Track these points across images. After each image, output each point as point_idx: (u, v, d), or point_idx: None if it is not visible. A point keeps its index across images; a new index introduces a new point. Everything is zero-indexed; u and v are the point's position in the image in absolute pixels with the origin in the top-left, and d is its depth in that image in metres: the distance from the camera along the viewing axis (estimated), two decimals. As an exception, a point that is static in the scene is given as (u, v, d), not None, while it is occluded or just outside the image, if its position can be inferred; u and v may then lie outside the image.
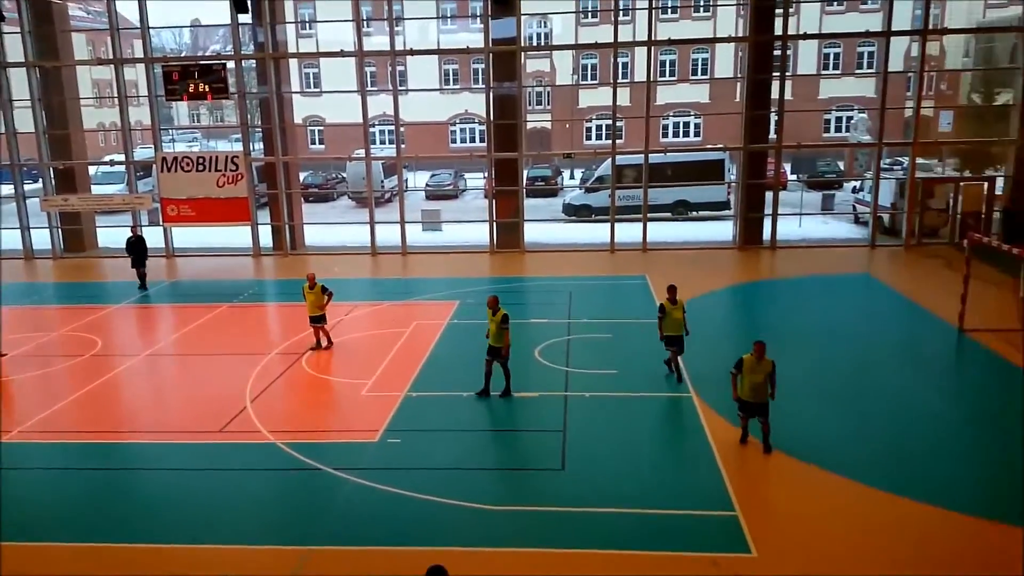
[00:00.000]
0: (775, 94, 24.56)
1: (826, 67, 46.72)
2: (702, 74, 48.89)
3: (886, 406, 12.78)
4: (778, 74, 24.58)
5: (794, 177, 35.81)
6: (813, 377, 14.03)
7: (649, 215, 25.78)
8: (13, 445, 11.89)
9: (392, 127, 28.29)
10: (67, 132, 26.78)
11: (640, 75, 32.72)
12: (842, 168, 40.11)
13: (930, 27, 24.37)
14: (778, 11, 24.05)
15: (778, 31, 24.10)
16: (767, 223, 25.29)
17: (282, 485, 10.66)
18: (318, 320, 15.89)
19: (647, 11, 24.85)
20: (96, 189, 30.76)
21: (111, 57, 26.18)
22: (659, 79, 46.57)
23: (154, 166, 26.39)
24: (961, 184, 25.29)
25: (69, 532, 9.49)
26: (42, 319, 19.50)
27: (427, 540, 8.97)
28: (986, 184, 25.07)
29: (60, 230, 27.31)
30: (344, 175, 41.47)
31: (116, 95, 26.78)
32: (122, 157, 28.50)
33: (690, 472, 10.48)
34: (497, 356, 13.04)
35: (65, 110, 26.82)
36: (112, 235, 26.74)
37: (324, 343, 16.12)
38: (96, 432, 12.46)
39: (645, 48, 25.02)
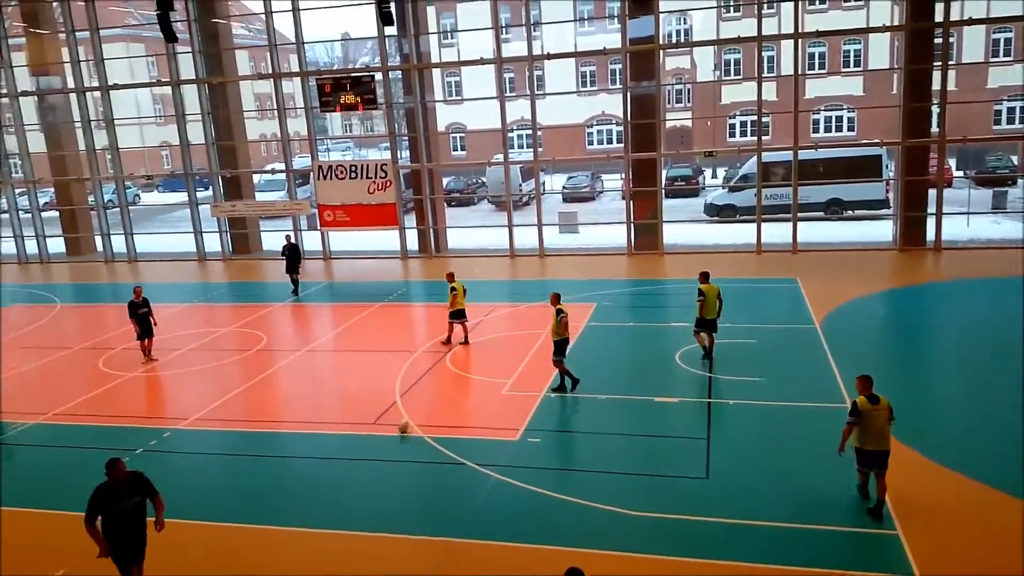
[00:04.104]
0: (936, 85, 22.86)
1: (995, 54, 42.86)
2: (855, 66, 46.19)
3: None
4: (939, 63, 22.88)
5: (960, 173, 33.15)
6: (978, 389, 12.97)
7: (799, 214, 24.69)
8: (190, 432, 13.04)
9: (530, 131, 28.59)
10: (233, 143, 29.03)
11: (787, 69, 31.37)
12: (1015, 163, 36.68)
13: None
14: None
15: (939, 17, 22.43)
16: (930, 223, 23.57)
17: (428, 478, 11.04)
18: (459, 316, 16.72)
19: (793, 2, 23.83)
20: (259, 196, 33.11)
21: (271, 72, 28.17)
22: (807, 72, 44.44)
23: (311, 174, 28.10)
24: None
25: (230, 513, 10.21)
26: (214, 316, 21.28)
27: (567, 541, 9.01)
28: None
29: (228, 234, 29.62)
30: (484, 180, 42.41)
31: (276, 107, 28.73)
32: (282, 166, 30.52)
33: (844, 486, 9.93)
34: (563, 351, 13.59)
35: (231, 122, 29.08)
36: (275, 239, 28.70)
37: (460, 339, 16.82)
38: (261, 421, 13.45)
39: (792, 41, 24.00)
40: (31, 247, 31.44)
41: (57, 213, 32.45)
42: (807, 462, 10.74)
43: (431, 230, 27.73)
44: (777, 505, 9.55)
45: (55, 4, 29.83)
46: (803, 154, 25.21)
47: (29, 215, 31.46)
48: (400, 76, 28.56)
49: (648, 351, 16.01)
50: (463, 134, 50.63)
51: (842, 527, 9.10)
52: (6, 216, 31.68)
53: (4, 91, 30.20)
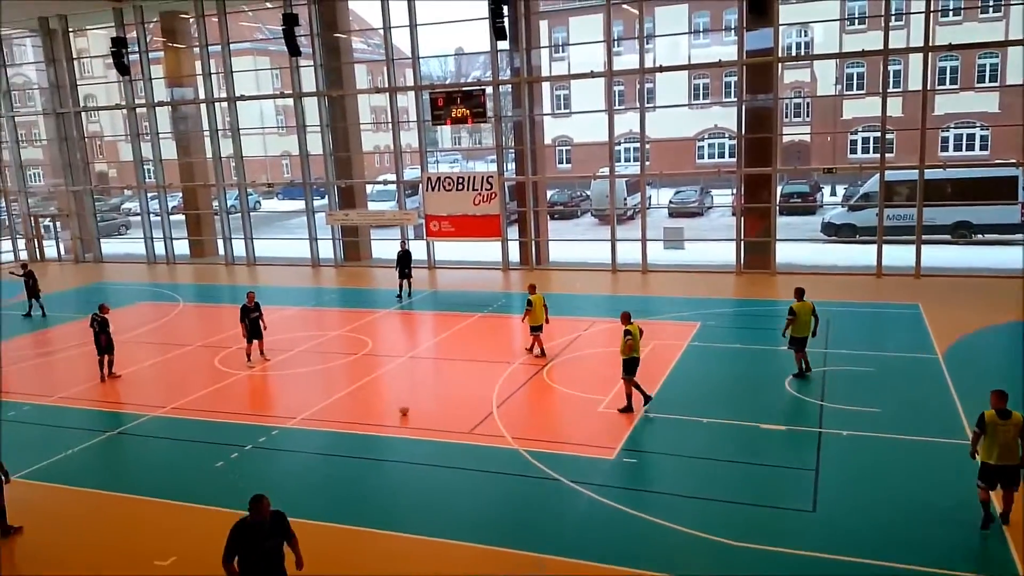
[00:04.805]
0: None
1: None
2: (990, 81, 43.31)
3: None
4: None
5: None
6: None
7: (924, 237, 23.30)
8: (296, 431, 13.49)
9: (636, 144, 28.27)
10: (349, 154, 30.07)
11: (915, 83, 29.71)
12: None
13: None
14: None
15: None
16: (1073, 249, 21.74)
17: (522, 491, 10.95)
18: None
19: (923, 15, 22.55)
20: (371, 206, 34.16)
21: (387, 86, 29.04)
22: (937, 87, 41.99)
23: (420, 185, 28.73)
24: None
25: (326, 512, 10.40)
26: (324, 320, 22.05)
27: (660, 566, 8.74)
28: None
29: (341, 241, 30.67)
30: (588, 193, 42.25)
31: (390, 120, 29.54)
32: (394, 177, 31.38)
33: (965, 527, 9.17)
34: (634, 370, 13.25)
35: (347, 134, 30.15)
36: (384, 247, 29.52)
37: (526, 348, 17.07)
38: (362, 424, 13.74)
39: (920, 55, 22.73)
40: (159, 248, 33.59)
41: (184, 217, 34.58)
42: (924, 500, 10.01)
43: (533, 242, 27.80)
44: (889, 544, 8.92)
45: (191, 20, 31.84)
46: (930, 173, 23.77)
47: (159, 218, 33.63)
48: (510, 89, 28.83)
49: (755, 375, 15.40)
50: (569, 147, 50.64)
51: (960, 572, 8.40)
52: (138, 218, 33.97)
53: (143, 101, 32.48)
